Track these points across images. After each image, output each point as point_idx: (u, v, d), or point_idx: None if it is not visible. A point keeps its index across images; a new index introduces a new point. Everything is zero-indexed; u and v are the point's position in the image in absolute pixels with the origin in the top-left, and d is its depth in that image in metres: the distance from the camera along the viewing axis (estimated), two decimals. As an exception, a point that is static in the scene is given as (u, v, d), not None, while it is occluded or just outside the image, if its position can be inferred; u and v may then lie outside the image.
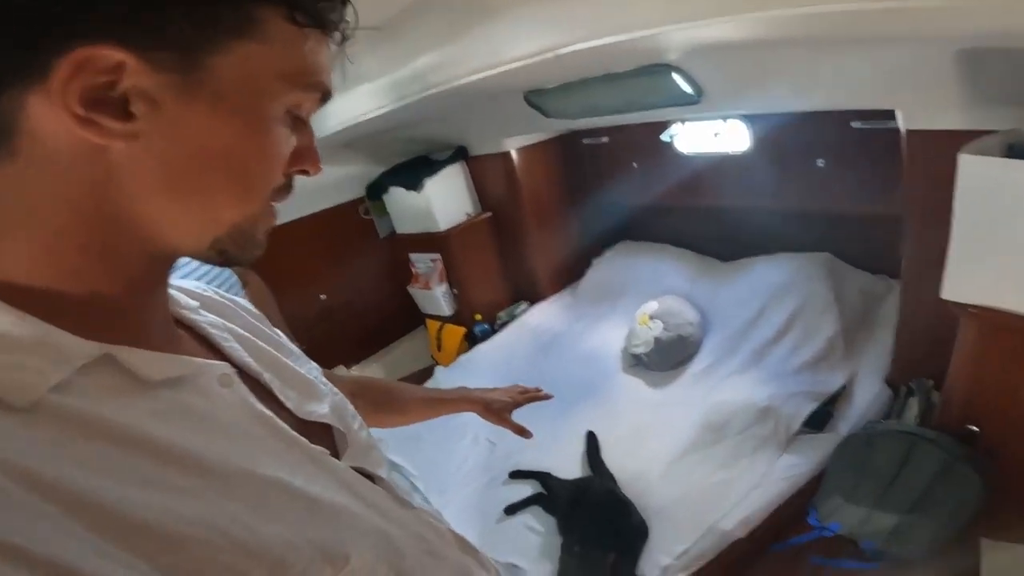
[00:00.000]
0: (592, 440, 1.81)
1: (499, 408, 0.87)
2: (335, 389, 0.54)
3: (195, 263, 1.67)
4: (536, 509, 1.63)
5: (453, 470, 1.88)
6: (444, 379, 2.37)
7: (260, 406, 0.40)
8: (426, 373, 2.57)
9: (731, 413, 1.70)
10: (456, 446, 1.95)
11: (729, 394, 1.78)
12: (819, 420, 1.67)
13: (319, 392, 0.51)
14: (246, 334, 0.49)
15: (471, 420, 2.00)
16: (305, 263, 2.53)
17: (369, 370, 2.79)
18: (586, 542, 1.42)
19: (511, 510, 1.66)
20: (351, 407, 0.54)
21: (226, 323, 0.48)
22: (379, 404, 0.79)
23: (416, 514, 0.49)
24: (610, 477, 1.67)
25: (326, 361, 2.24)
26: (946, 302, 1.15)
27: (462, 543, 0.55)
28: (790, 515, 1.50)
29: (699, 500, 1.51)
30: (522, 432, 0.87)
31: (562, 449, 1.80)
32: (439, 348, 2.74)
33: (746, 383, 1.81)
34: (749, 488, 1.52)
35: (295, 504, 0.36)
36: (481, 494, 1.76)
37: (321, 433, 0.47)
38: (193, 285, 0.51)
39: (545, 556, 1.48)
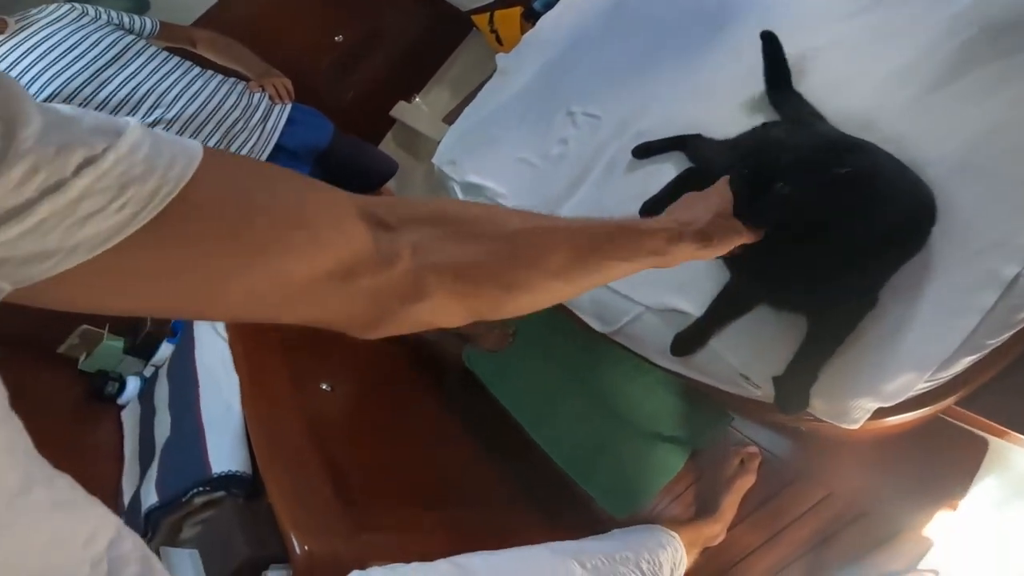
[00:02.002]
0: (772, 49, 1.01)
1: None
2: None
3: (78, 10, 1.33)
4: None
5: (550, 169, 1.34)
6: (510, 64, 1.77)
7: None
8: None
9: None
10: (544, 136, 1.43)
11: None
12: None
13: None
14: None
15: (553, 90, 1.51)
16: (297, 14, 2.33)
17: (435, 93, 2.58)
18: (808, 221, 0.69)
19: (643, 151, 1.14)
20: None
21: None
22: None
23: None
24: (816, 115, 0.93)
25: (385, 98, 2.11)
26: None
27: None
28: None
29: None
30: None
31: (702, 102, 1.15)
32: (500, 43, 2.30)
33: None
34: None
35: None
36: (597, 197, 1.19)
37: None
38: None
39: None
